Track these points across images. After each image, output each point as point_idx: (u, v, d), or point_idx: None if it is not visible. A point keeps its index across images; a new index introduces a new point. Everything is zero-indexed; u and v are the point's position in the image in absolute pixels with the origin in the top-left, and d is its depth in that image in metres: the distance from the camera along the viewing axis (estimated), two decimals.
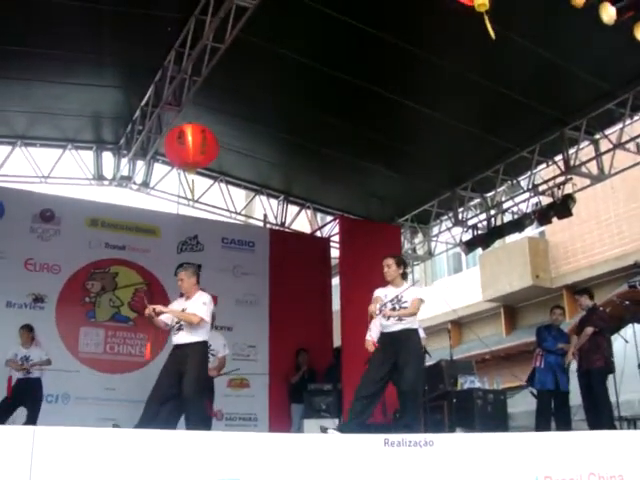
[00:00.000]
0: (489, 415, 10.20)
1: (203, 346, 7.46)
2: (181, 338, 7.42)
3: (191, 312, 7.38)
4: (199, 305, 7.45)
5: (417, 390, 7.01)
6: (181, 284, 7.72)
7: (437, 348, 15.97)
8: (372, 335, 8.29)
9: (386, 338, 7.13)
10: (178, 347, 7.44)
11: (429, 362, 10.78)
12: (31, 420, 9.36)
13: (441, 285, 21.26)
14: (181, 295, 7.81)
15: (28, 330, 9.92)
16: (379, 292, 7.32)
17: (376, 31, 9.08)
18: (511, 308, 20.27)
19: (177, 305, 7.64)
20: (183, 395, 7.22)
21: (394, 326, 7.07)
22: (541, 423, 9.42)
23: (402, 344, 7.00)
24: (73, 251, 11.84)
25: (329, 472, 4.71)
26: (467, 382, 10.64)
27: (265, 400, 12.63)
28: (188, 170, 10.18)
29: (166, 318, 7.57)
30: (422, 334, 8.44)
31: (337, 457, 4.80)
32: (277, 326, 12.86)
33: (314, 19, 8.96)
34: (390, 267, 7.31)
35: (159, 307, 7.52)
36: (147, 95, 10.86)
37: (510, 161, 12.45)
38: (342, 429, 6.64)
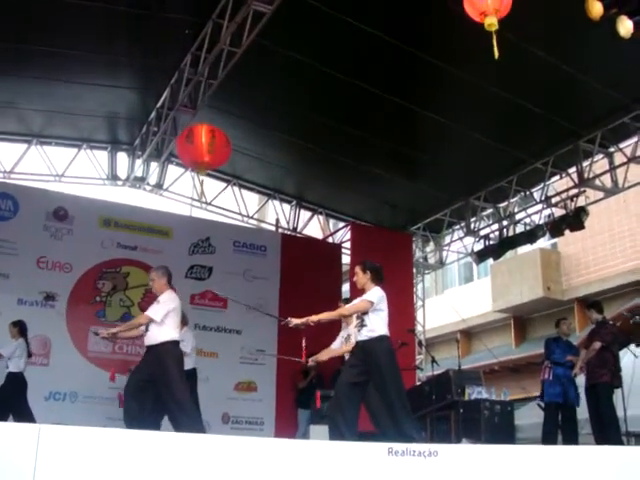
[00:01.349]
0: (496, 426, 10.16)
1: (172, 345, 7.41)
2: (148, 339, 7.45)
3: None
4: (152, 305, 7.50)
5: (402, 396, 6.68)
6: (152, 284, 7.74)
7: (446, 357, 15.97)
8: (333, 346, 8.20)
9: (356, 346, 6.93)
10: (148, 348, 7.47)
11: (437, 371, 10.77)
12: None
13: (452, 294, 21.23)
14: None
15: (12, 325, 9.94)
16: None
17: (393, 40, 9.11)
18: (521, 319, 20.18)
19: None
20: (175, 401, 7.19)
21: (359, 336, 6.84)
22: (548, 436, 9.36)
23: (369, 356, 6.72)
24: (85, 250, 11.89)
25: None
26: (474, 392, 10.60)
27: (272, 404, 12.65)
28: (198, 170, 10.23)
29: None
30: None
31: (341, 464, 4.79)
32: (286, 331, 12.77)
33: (331, 26, 8.98)
34: (357, 274, 7.10)
35: (111, 330, 7.72)
36: (163, 97, 10.91)
37: (524, 172, 12.45)
38: (331, 437, 6.57)
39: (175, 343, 7.46)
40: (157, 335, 7.36)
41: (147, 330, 7.44)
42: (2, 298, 10.98)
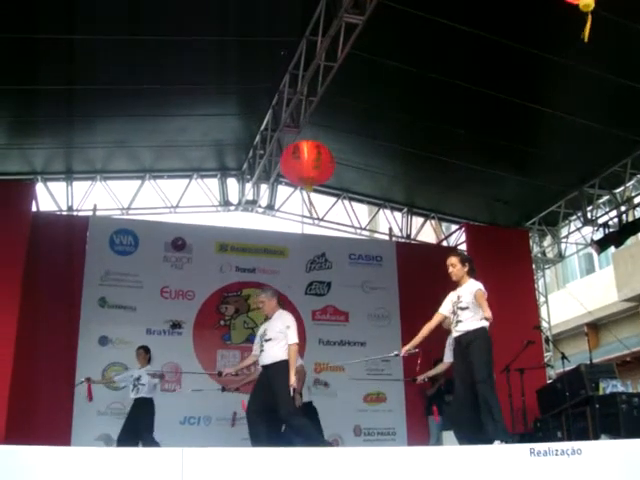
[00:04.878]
0: (635, 420, 9.77)
1: (285, 364, 7.47)
2: (265, 359, 7.55)
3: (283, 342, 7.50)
4: (284, 329, 7.54)
5: (485, 379, 6.43)
6: (262, 306, 7.88)
7: (574, 352, 15.53)
8: (445, 359, 8.01)
9: (456, 345, 6.86)
10: (265, 367, 7.57)
11: (568, 367, 10.49)
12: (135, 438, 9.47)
13: (574, 287, 20.66)
14: (266, 318, 7.92)
15: (144, 351, 10.19)
16: (451, 295, 7.07)
17: (493, 36, 8.94)
18: None
19: (262, 328, 7.81)
20: (280, 416, 7.27)
21: (455, 332, 6.78)
22: None
23: (466, 346, 6.62)
24: (205, 277, 12.22)
25: None
26: (609, 386, 10.23)
27: (402, 414, 12.58)
28: (305, 186, 10.33)
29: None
30: None
31: (481, 468, 4.73)
32: (410, 339, 12.71)
33: (425, 29, 8.92)
34: (455, 266, 7.01)
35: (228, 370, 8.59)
36: (266, 120, 11.11)
37: (638, 154, 12.01)
38: (459, 442, 6.49)
39: (286, 362, 7.51)
40: (276, 354, 7.48)
41: (262, 351, 7.59)
42: (132, 330, 11.39)
